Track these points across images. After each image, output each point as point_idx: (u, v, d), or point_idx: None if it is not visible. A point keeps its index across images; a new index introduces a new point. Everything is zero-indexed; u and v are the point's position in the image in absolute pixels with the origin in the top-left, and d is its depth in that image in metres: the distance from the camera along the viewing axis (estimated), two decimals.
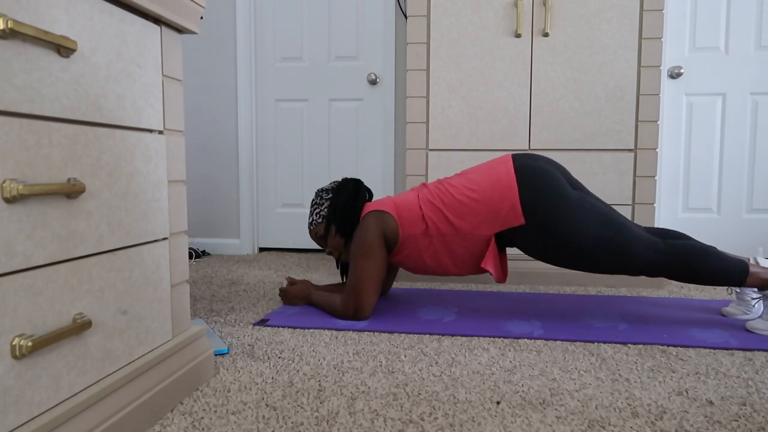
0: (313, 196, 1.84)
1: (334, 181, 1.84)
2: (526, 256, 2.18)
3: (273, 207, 3.04)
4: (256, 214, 3.04)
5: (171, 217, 1.07)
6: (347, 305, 1.62)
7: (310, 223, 1.79)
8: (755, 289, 1.60)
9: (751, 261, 1.53)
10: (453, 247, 1.61)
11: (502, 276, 1.65)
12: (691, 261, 1.46)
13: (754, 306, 1.62)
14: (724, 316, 1.66)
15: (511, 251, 2.20)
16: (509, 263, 2.18)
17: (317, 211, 1.77)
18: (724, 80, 2.67)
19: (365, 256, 1.60)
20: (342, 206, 1.72)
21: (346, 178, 1.83)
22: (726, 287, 1.87)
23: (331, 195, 1.77)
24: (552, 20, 2.12)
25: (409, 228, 1.62)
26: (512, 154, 1.61)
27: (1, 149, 0.68)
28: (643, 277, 2.11)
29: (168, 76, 1.05)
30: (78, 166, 0.81)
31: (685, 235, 1.63)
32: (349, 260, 1.65)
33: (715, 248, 1.49)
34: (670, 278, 1.51)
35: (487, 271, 1.64)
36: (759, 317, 1.61)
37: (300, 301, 1.80)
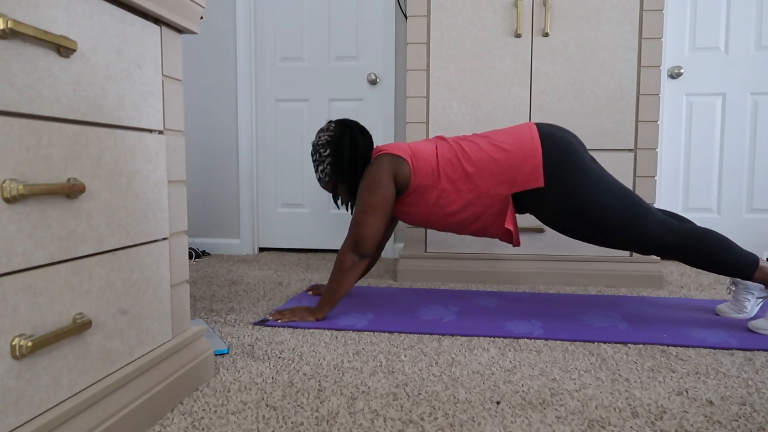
0: (311, 155, 1.77)
1: (330, 124, 1.76)
2: (527, 256, 2.18)
3: (273, 207, 3.04)
4: (256, 214, 3.04)
5: (171, 217, 1.07)
6: (348, 240, 1.60)
7: (318, 180, 1.78)
8: (760, 288, 1.61)
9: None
10: (465, 206, 1.62)
11: (518, 238, 1.67)
12: (702, 245, 1.47)
13: (747, 306, 1.62)
14: (717, 315, 1.67)
15: (513, 249, 2.20)
16: (509, 262, 2.18)
17: (321, 168, 1.74)
18: (724, 80, 2.67)
19: (371, 191, 1.60)
20: (345, 164, 1.70)
21: (342, 124, 1.75)
22: (726, 289, 1.86)
23: (329, 151, 1.72)
24: (552, 20, 2.12)
25: (422, 178, 1.63)
26: (536, 122, 1.63)
27: (1, 149, 0.68)
28: (642, 276, 2.11)
29: (168, 76, 1.05)
30: (78, 166, 0.81)
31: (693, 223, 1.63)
32: (357, 198, 1.64)
33: (727, 238, 1.49)
34: (679, 260, 1.51)
35: (489, 236, 1.68)
36: (762, 317, 1.61)
37: (308, 315, 1.61)
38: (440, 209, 1.65)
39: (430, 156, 1.65)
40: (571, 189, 1.50)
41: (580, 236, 1.56)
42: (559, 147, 1.53)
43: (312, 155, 1.77)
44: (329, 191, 1.80)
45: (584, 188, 1.49)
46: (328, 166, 1.72)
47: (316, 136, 1.76)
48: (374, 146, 1.79)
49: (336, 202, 1.85)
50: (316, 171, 1.76)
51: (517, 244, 1.69)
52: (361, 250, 1.59)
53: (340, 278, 1.59)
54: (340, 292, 1.60)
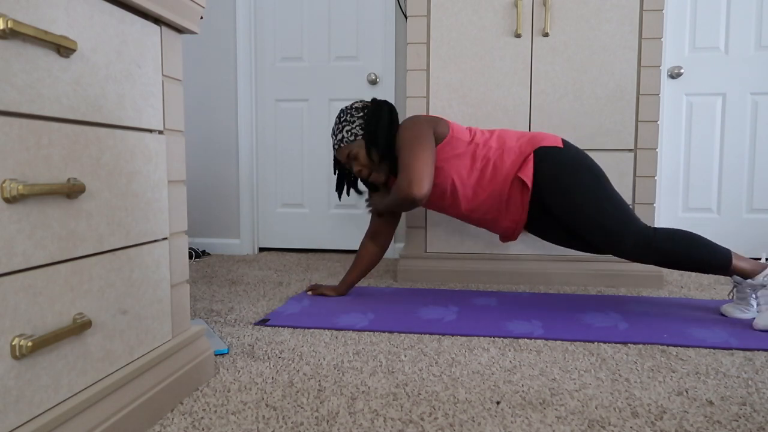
0: (337, 118, 1.80)
1: (360, 101, 1.81)
2: (527, 255, 2.18)
3: (273, 207, 3.04)
4: (256, 214, 3.04)
5: (171, 217, 1.07)
6: (402, 180, 1.60)
7: (340, 141, 1.75)
8: (761, 285, 1.60)
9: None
10: (490, 155, 1.70)
11: (519, 229, 1.78)
12: (677, 240, 1.56)
13: (752, 305, 1.62)
14: (723, 315, 1.66)
15: (513, 249, 2.20)
16: (508, 262, 2.18)
17: (348, 128, 1.73)
18: (724, 80, 2.67)
19: (419, 140, 1.63)
20: (382, 125, 1.71)
21: (377, 99, 1.80)
22: (729, 293, 1.87)
23: (363, 114, 1.74)
24: (552, 20, 2.12)
25: (457, 132, 1.72)
26: None
27: (1, 149, 0.68)
28: (642, 276, 2.11)
29: (168, 76, 1.05)
30: (78, 166, 0.81)
31: None
32: (400, 149, 1.65)
33: (698, 234, 1.64)
34: (656, 260, 1.59)
35: (498, 234, 1.82)
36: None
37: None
38: (468, 162, 1.71)
39: (461, 125, 1.80)
40: (578, 164, 1.63)
41: (572, 219, 1.63)
42: (573, 146, 1.73)
43: (339, 117, 1.77)
44: (346, 158, 1.77)
45: (587, 170, 1.63)
46: (358, 126, 1.73)
47: (349, 105, 1.79)
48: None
49: (345, 181, 1.85)
50: (339, 132, 1.74)
51: (514, 236, 1.81)
52: (416, 190, 1.56)
53: (393, 204, 1.67)
54: (401, 208, 1.67)
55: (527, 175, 1.65)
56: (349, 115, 1.75)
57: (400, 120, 2.87)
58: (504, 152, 1.69)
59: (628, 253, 1.59)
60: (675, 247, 1.55)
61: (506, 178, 1.70)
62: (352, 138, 1.73)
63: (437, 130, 1.70)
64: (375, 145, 1.71)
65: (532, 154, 1.66)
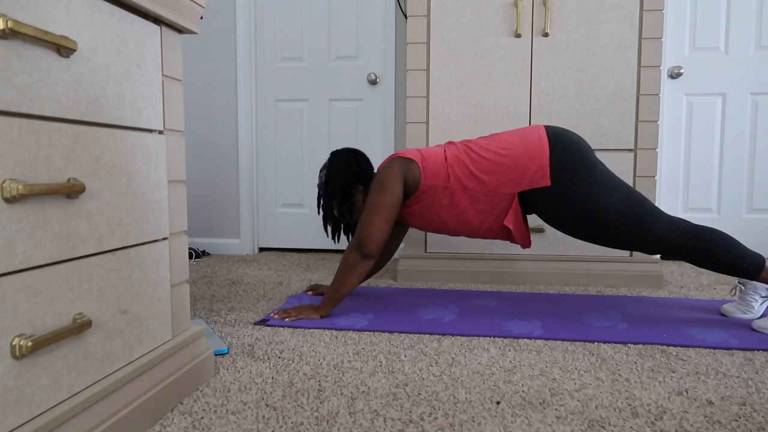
0: (316, 188, 1.92)
1: (325, 163, 1.87)
2: (527, 255, 2.18)
3: (273, 207, 3.04)
4: (256, 214, 3.04)
5: (171, 217, 1.07)
6: (354, 239, 1.63)
7: (330, 206, 1.87)
8: (766, 288, 1.60)
9: None
10: (473, 204, 1.63)
11: (526, 239, 1.68)
12: (708, 245, 1.47)
13: (754, 307, 1.62)
14: (723, 315, 1.66)
15: (513, 249, 2.20)
16: (508, 262, 2.18)
17: (327, 202, 1.85)
18: (724, 80, 2.67)
19: (379, 191, 1.62)
20: (339, 198, 1.81)
21: (333, 155, 1.85)
22: (731, 290, 1.87)
23: (327, 190, 1.83)
24: (552, 20, 2.12)
25: (431, 178, 1.65)
26: (544, 124, 1.64)
27: (1, 149, 0.68)
28: (642, 276, 2.11)
29: (168, 76, 1.05)
30: (78, 166, 0.81)
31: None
32: (365, 205, 1.68)
33: (732, 237, 1.50)
34: (684, 259, 1.51)
35: (500, 238, 1.72)
36: (764, 317, 1.61)
37: (312, 312, 1.63)
38: (450, 209, 1.67)
39: (438, 157, 1.67)
40: (577, 188, 1.50)
41: (585, 236, 1.56)
42: (566, 146, 1.54)
43: (318, 193, 1.88)
44: (352, 222, 1.88)
45: (591, 187, 1.50)
46: (335, 203, 1.83)
47: (319, 173, 1.89)
48: (370, 161, 1.91)
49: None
50: (326, 199, 1.84)
51: (525, 245, 1.70)
52: (364, 249, 1.59)
53: (343, 277, 1.61)
54: (343, 291, 1.61)
55: (511, 222, 1.61)
56: (321, 189, 1.86)
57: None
58: (484, 196, 1.60)
59: (658, 250, 1.52)
60: (703, 245, 1.46)
61: (491, 224, 1.66)
62: (334, 209, 1.86)
63: (409, 175, 1.65)
64: (346, 210, 1.84)
65: (516, 199, 1.58)
